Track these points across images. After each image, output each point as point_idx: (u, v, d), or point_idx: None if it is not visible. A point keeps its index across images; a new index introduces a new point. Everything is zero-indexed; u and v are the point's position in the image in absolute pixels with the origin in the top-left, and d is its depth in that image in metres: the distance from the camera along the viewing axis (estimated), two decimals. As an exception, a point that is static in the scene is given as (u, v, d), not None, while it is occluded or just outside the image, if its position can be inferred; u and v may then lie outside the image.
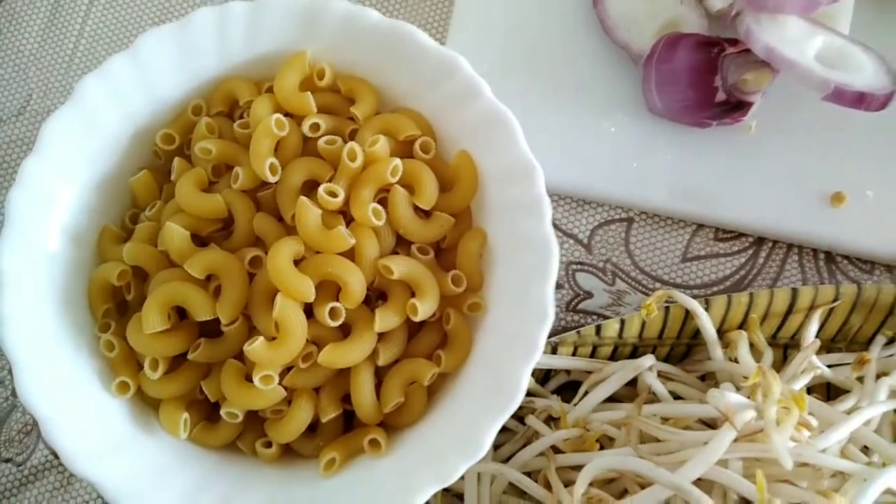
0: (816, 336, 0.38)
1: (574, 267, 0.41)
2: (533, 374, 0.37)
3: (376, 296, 0.33)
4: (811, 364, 0.36)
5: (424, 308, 0.32)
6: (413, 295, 0.32)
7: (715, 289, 0.41)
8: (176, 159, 0.34)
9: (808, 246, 0.41)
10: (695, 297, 0.38)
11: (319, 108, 0.34)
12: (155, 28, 0.33)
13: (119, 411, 0.33)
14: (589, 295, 0.41)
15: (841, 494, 0.30)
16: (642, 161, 0.40)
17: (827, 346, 0.39)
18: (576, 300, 0.41)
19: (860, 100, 0.37)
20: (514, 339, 0.31)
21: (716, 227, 0.41)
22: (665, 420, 0.34)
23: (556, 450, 0.35)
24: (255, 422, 0.34)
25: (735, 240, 0.41)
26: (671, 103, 0.39)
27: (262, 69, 0.35)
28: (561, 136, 0.41)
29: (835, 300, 0.38)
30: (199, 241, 0.34)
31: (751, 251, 0.41)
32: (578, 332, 0.37)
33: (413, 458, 0.32)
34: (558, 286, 0.41)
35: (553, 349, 0.37)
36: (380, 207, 0.33)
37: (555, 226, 0.41)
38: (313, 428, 0.34)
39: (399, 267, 0.32)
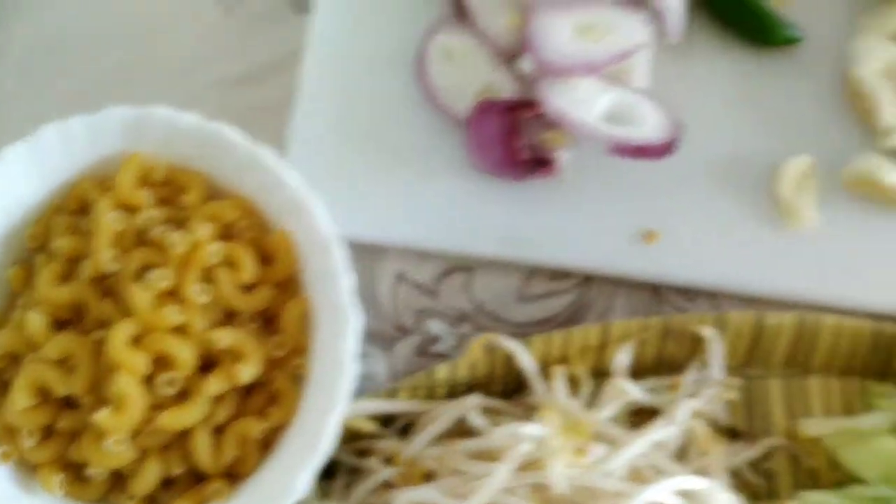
0: (638, 364, 0.42)
1: (422, 314, 0.45)
2: (378, 418, 0.42)
3: (210, 363, 0.38)
4: (621, 391, 0.40)
5: (247, 373, 0.37)
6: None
7: (551, 325, 0.45)
8: (37, 256, 0.40)
9: (632, 281, 0.45)
10: (532, 333, 0.42)
11: (158, 199, 0.39)
12: (9, 147, 0.39)
13: (4, 476, 0.38)
14: (437, 339, 0.45)
15: (612, 512, 0.34)
16: (474, 215, 0.45)
17: (654, 372, 0.43)
18: (424, 345, 0.45)
19: (640, 151, 0.41)
20: (322, 393, 0.36)
21: (548, 269, 0.45)
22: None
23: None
24: (120, 478, 0.39)
25: (566, 279, 0.45)
26: (489, 162, 0.44)
27: (107, 169, 0.40)
28: (400, 197, 0.45)
29: (646, 331, 0.41)
30: (64, 323, 0.39)
31: (581, 289, 0.45)
32: (413, 377, 0.41)
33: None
34: (409, 332, 0.45)
35: (392, 394, 0.41)
36: (206, 286, 0.37)
37: (403, 277, 0.46)
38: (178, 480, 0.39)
39: (224, 338, 0.37)
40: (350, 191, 0.46)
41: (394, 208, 0.45)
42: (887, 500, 0.37)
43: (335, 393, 0.35)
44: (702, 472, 0.38)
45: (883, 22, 0.45)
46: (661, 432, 0.37)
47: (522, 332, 0.44)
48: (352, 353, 0.36)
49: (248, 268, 0.38)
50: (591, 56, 0.42)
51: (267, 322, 0.39)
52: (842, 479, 0.40)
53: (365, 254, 0.46)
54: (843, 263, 0.43)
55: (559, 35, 0.42)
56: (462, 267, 0.46)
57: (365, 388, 0.43)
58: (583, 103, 0.41)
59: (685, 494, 0.35)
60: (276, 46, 0.49)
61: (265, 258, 0.39)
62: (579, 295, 0.45)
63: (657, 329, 0.41)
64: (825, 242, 0.44)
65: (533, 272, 0.45)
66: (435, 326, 0.45)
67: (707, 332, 0.41)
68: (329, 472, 0.41)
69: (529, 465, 0.35)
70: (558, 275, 0.45)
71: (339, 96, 0.47)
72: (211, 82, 0.49)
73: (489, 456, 0.37)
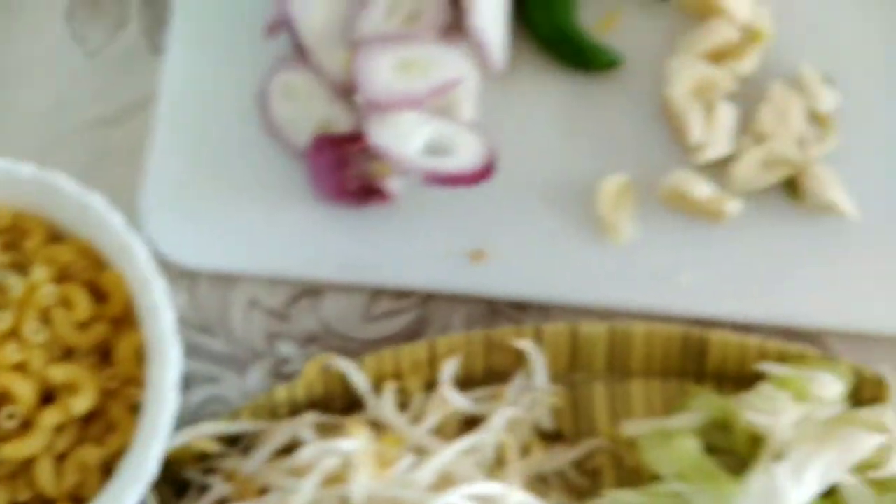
0: (468, 376, 0.45)
1: (274, 337, 0.48)
2: (225, 438, 0.45)
3: (51, 396, 0.41)
4: (445, 401, 0.43)
5: (81, 404, 0.40)
6: (80, 392, 0.40)
7: (395, 341, 0.47)
8: None
9: (468, 297, 0.48)
10: (378, 350, 0.45)
11: (3, 245, 0.42)
12: None
13: None
14: (288, 361, 0.48)
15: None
16: (318, 242, 0.47)
17: (485, 383, 0.45)
18: (276, 366, 0.48)
19: (453, 180, 0.43)
20: (149, 421, 0.39)
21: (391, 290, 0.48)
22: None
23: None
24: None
25: (407, 298, 0.48)
26: (327, 192, 0.47)
27: (-46, 218, 0.43)
28: (249, 228, 0.48)
29: (470, 345, 0.44)
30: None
31: (422, 307, 0.48)
32: (255, 399, 0.44)
33: (87, 526, 0.39)
34: (262, 356, 0.48)
35: (236, 415, 0.44)
36: (43, 325, 0.40)
37: (255, 304, 0.48)
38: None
39: (59, 373, 0.40)
40: (203, 224, 0.48)
41: (244, 239, 0.48)
42: (682, 496, 0.40)
43: (158, 421, 0.38)
44: (516, 477, 0.41)
45: (695, 42, 0.48)
46: (471, 441, 0.40)
47: (369, 349, 0.47)
48: (173, 383, 0.39)
49: (82, 307, 0.41)
50: (412, 91, 0.45)
51: (105, 355, 0.41)
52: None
53: (219, 283, 0.49)
54: (661, 272, 0.46)
55: (382, 72, 0.45)
56: (310, 291, 0.48)
57: (218, 411, 0.46)
58: (403, 136, 0.44)
59: (482, 499, 0.38)
60: (137, 88, 0.52)
61: (101, 296, 0.41)
62: (420, 312, 0.48)
63: (480, 343, 0.44)
64: (643, 253, 0.47)
65: (377, 293, 0.48)
66: (286, 349, 0.48)
67: (525, 344, 0.44)
68: (181, 491, 0.44)
69: (338, 478, 0.38)
70: (400, 294, 0.48)
71: (190, 134, 0.49)
72: (75, 124, 0.51)
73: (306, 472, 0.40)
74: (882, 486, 0.39)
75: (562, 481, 0.44)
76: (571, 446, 0.44)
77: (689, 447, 0.40)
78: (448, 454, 0.39)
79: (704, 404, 0.43)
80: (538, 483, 0.43)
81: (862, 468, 0.39)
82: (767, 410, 0.40)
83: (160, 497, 0.43)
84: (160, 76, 0.50)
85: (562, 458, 0.43)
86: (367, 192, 0.46)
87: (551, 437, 0.45)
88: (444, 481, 0.39)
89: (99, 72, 0.52)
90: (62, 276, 0.41)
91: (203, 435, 0.43)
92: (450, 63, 0.46)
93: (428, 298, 0.48)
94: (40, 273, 0.40)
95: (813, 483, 0.38)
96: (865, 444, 0.39)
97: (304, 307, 0.48)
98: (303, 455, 0.38)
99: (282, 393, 0.44)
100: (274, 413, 0.44)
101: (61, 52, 0.53)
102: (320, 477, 0.37)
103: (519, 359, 0.45)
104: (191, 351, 0.48)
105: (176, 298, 0.48)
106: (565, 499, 0.43)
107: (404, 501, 0.37)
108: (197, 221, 0.48)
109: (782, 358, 0.43)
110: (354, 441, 0.38)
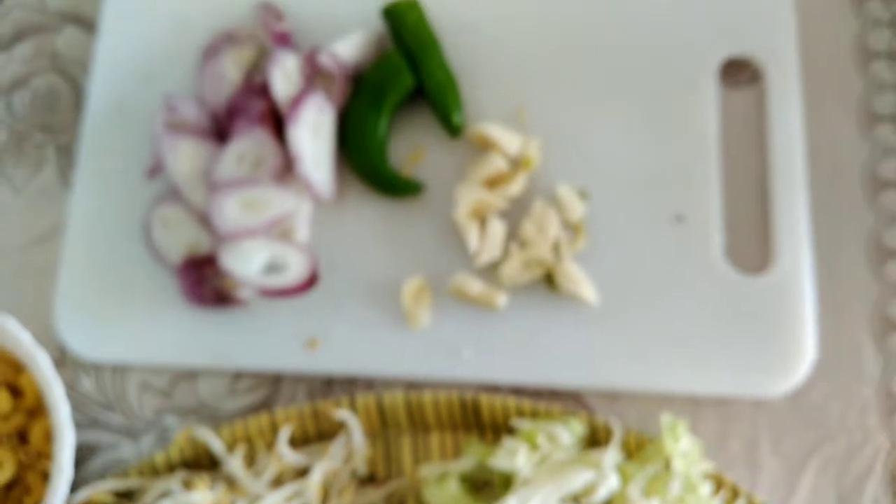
0: (305, 436, 0.59)
1: (161, 412, 0.62)
2: (121, 493, 0.59)
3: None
4: (280, 458, 0.57)
5: (3, 475, 0.54)
6: (3, 466, 0.54)
7: (254, 411, 0.62)
8: None
9: (309, 375, 0.62)
10: (237, 419, 0.59)
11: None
12: None
13: None
14: (172, 430, 0.62)
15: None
16: (193, 337, 0.62)
17: (318, 440, 0.60)
18: (162, 434, 0.62)
19: (283, 293, 0.58)
20: (52, 486, 0.53)
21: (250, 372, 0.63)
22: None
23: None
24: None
25: (262, 378, 0.62)
26: (193, 300, 0.61)
27: None
28: (139, 328, 0.62)
29: (301, 415, 0.59)
30: None
31: (274, 384, 0.62)
32: (141, 461, 0.58)
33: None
34: (152, 426, 0.62)
35: (125, 475, 0.58)
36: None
37: (146, 386, 0.63)
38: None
39: (-14, 453, 0.54)
40: (104, 326, 0.63)
41: (136, 336, 0.62)
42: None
43: (57, 487, 0.52)
44: (333, 512, 0.56)
45: (475, 172, 0.63)
46: (292, 488, 0.54)
47: (233, 418, 0.61)
48: (69, 457, 0.53)
49: (4, 403, 0.55)
50: (251, 224, 0.59)
51: (23, 437, 0.56)
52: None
53: (117, 371, 0.63)
54: (451, 350, 0.61)
55: (229, 209, 0.59)
56: (188, 375, 0.63)
57: (118, 472, 0.60)
58: (244, 260, 0.59)
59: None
60: (54, 216, 0.66)
61: (18, 393, 0.56)
62: (273, 388, 0.62)
63: (309, 414, 0.59)
64: (437, 336, 0.61)
65: (238, 375, 0.63)
66: (170, 420, 0.62)
67: (342, 413, 0.58)
68: (87, 535, 0.58)
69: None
70: (256, 375, 0.62)
71: (92, 256, 0.64)
72: (5, 248, 0.66)
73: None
74: (593, 509, 0.53)
75: (375, 514, 0.58)
76: (381, 486, 0.58)
77: (452, 486, 0.55)
78: (273, 499, 0.54)
79: (474, 451, 0.57)
80: (356, 516, 0.57)
81: (580, 497, 0.54)
82: (504, 457, 0.54)
83: (71, 541, 0.57)
84: (69, 208, 0.65)
85: (373, 495, 0.58)
86: (223, 299, 0.61)
87: (366, 481, 0.59)
88: (272, 521, 0.54)
89: (24, 205, 0.67)
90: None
91: (100, 490, 0.57)
92: (283, 200, 0.60)
93: (278, 377, 0.63)
94: (-24, 380, 0.55)
95: (532, 510, 0.52)
96: (580, 478, 0.53)
97: (184, 388, 0.63)
98: (163, 506, 0.52)
99: (160, 456, 0.58)
100: (155, 471, 0.59)
101: (-7, 191, 0.67)
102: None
103: (341, 423, 0.59)
104: (97, 424, 0.62)
105: (84, 384, 0.63)
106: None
107: (236, 535, 0.51)
108: (99, 324, 0.63)
109: (534, 414, 0.58)
110: (198, 493, 0.52)
